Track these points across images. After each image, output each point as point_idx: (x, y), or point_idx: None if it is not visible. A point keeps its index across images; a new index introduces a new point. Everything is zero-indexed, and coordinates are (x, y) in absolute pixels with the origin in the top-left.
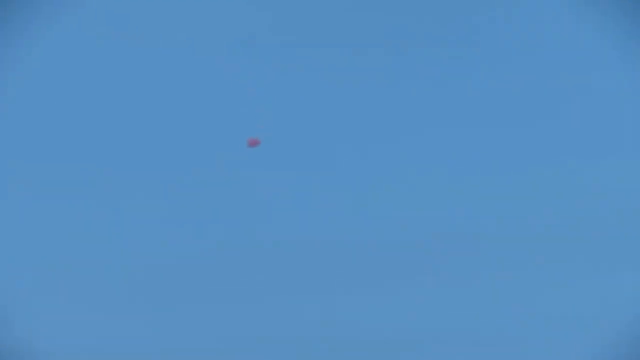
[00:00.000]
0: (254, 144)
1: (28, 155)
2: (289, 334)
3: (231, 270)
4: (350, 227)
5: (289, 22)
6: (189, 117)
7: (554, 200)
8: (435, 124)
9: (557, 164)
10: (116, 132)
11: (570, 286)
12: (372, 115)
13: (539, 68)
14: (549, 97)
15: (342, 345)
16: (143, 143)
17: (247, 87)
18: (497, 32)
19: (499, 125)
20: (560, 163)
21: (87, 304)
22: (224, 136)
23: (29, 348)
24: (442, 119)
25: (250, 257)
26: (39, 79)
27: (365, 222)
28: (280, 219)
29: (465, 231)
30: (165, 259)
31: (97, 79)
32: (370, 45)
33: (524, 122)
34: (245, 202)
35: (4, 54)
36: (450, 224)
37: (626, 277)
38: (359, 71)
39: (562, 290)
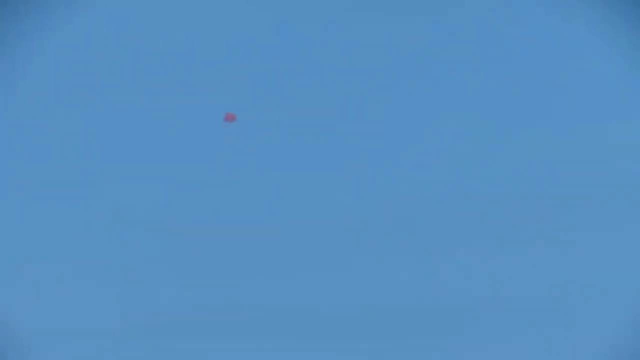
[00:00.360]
0: (231, 118)
1: (29, 155)
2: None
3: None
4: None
5: (288, 21)
6: (190, 117)
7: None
8: (443, 122)
9: (559, 163)
10: (116, 132)
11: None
12: (372, 114)
13: (538, 64)
14: (548, 98)
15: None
16: (144, 143)
17: (247, 87)
18: (497, 32)
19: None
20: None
21: (87, 304)
22: (224, 136)
23: (28, 346)
24: (454, 114)
25: (249, 252)
26: (40, 80)
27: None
28: (301, 212)
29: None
30: (168, 258)
31: (97, 78)
32: (369, 46)
33: (526, 121)
34: (243, 202)
35: (6, 54)
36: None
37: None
38: (358, 71)
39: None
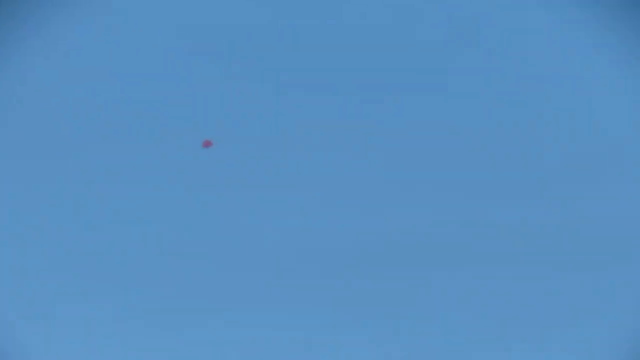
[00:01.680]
0: (207, 145)
1: (29, 155)
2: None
3: (231, 272)
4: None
5: (288, 21)
6: (189, 117)
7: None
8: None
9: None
10: (115, 133)
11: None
12: (371, 113)
13: (538, 67)
14: (549, 101)
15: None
16: (143, 143)
17: (246, 87)
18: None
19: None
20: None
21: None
22: (224, 136)
23: (28, 348)
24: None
25: (252, 257)
26: (40, 79)
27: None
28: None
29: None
30: (169, 259)
31: (96, 78)
32: (368, 49)
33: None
34: (242, 202)
35: (5, 52)
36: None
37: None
38: (358, 73)
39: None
